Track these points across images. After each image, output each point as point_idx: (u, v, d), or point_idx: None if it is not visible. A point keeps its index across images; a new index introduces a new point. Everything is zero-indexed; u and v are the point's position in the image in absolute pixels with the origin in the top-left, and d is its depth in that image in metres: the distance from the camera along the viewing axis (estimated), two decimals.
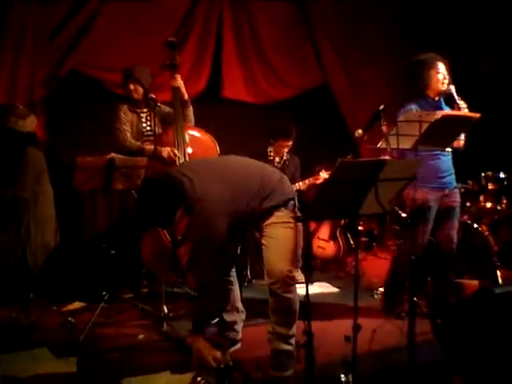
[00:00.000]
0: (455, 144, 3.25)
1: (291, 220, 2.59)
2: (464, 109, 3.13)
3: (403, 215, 2.75)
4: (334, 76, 5.10)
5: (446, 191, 3.30)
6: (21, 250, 3.19)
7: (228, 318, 2.87)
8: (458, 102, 3.16)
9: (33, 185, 3.22)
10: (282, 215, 2.59)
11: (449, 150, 3.27)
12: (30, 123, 3.34)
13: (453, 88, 3.21)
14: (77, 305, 3.68)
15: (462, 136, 3.25)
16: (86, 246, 4.34)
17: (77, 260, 4.16)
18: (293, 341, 2.65)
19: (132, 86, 3.80)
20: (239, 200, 2.54)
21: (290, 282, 2.59)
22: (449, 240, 3.34)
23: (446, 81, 3.26)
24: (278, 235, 2.59)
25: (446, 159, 3.30)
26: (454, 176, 3.37)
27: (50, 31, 4.25)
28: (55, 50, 4.28)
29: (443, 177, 3.29)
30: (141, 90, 3.80)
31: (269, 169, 2.75)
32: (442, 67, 3.27)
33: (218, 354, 2.45)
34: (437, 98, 3.31)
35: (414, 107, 3.18)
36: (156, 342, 3.05)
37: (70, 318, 3.31)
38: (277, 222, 2.59)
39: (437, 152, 3.21)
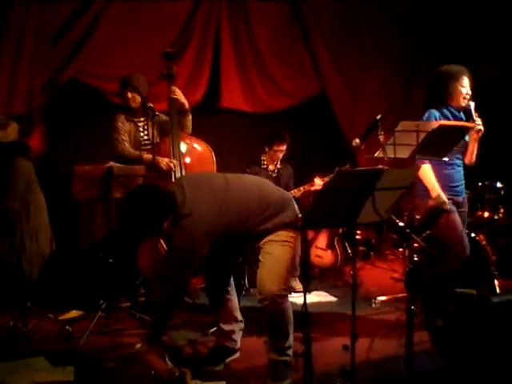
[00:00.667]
0: (467, 160, 3.33)
1: (290, 239, 2.58)
2: (479, 126, 3.17)
3: (400, 224, 2.75)
4: (330, 80, 5.12)
5: (460, 199, 3.35)
6: (16, 258, 3.17)
7: (226, 327, 2.87)
8: (474, 118, 3.20)
9: (23, 195, 3.20)
10: (281, 234, 2.58)
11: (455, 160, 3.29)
12: (11, 132, 3.27)
13: (472, 104, 3.24)
14: (74, 313, 3.66)
15: (475, 152, 3.31)
16: (83, 254, 4.33)
17: (74, 268, 4.15)
18: (290, 351, 2.64)
19: (130, 95, 3.81)
20: (231, 222, 2.53)
21: (279, 300, 2.58)
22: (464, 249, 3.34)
23: (468, 96, 3.29)
24: (274, 252, 2.58)
25: (459, 169, 3.36)
26: (464, 186, 3.42)
27: (49, 38, 4.26)
28: (55, 57, 4.30)
29: (457, 186, 3.34)
30: (138, 98, 3.81)
31: (269, 190, 2.70)
32: (466, 82, 3.30)
33: (169, 366, 2.43)
34: (459, 112, 3.35)
35: (437, 115, 3.21)
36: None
37: (67, 327, 3.30)
38: (275, 240, 2.58)
39: (451, 161, 3.26)
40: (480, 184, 4.10)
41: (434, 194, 3.20)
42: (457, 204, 3.32)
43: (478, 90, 3.30)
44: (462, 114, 3.35)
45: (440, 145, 3.01)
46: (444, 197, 3.21)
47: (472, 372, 2.52)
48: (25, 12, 4.17)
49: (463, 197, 3.41)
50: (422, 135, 2.91)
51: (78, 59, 4.38)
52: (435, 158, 3.18)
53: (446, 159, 3.12)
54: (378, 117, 2.65)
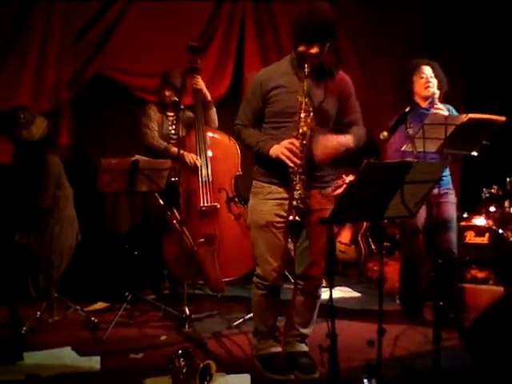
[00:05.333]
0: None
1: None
2: (443, 113, 3.03)
3: None
4: (353, 74, 5.02)
5: (436, 191, 3.11)
6: (47, 252, 3.21)
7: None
8: (435, 106, 3.08)
9: (54, 192, 3.22)
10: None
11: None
12: (36, 130, 3.20)
13: (437, 92, 3.12)
14: (100, 305, 3.71)
15: None
16: (108, 246, 4.38)
17: (100, 260, 4.20)
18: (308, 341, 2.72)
19: (168, 93, 3.88)
20: None
21: (320, 286, 2.68)
22: (446, 243, 3.24)
23: (431, 84, 3.18)
24: (322, 236, 2.58)
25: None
26: (447, 178, 3.28)
27: (76, 32, 4.29)
28: (81, 52, 4.32)
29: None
30: (174, 96, 3.85)
31: None
32: (427, 70, 3.21)
33: None
34: (425, 105, 3.24)
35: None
36: (178, 343, 3.05)
37: (93, 318, 3.34)
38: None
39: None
40: (508, 179, 4.01)
41: None
42: (432, 197, 3.05)
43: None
44: (430, 109, 3.16)
45: (469, 139, 2.96)
46: None
47: (501, 370, 2.48)
48: (50, 7, 4.20)
49: (446, 188, 3.25)
50: (451, 128, 2.86)
51: (103, 54, 4.40)
52: (464, 152, 3.12)
53: (474, 153, 3.04)
54: (407, 109, 2.61)
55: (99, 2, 4.31)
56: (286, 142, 2.43)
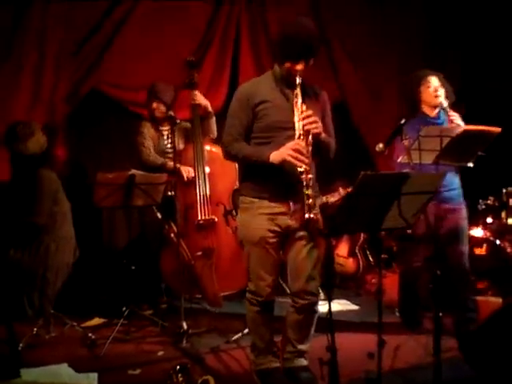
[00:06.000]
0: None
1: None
2: (457, 119, 3.06)
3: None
4: (350, 87, 5.05)
5: (446, 206, 3.18)
6: (42, 269, 3.19)
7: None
8: (449, 114, 3.10)
9: (50, 208, 3.21)
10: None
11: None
12: (32, 145, 3.21)
13: (445, 102, 3.14)
14: (97, 321, 3.68)
15: None
16: (105, 261, 4.36)
17: (97, 276, 4.18)
18: (307, 355, 2.69)
19: (155, 105, 3.89)
20: None
21: (317, 302, 2.65)
22: (458, 257, 3.24)
23: (439, 93, 3.20)
24: (319, 248, 2.58)
25: (449, 174, 3.13)
26: (457, 191, 3.27)
27: (72, 47, 4.31)
28: (77, 67, 4.34)
29: (442, 192, 3.10)
30: (163, 108, 3.87)
31: None
32: (433, 81, 3.23)
33: None
34: (433, 114, 3.26)
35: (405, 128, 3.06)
36: (176, 359, 3.02)
37: (90, 334, 3.31)
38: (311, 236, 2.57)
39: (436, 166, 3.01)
40: (504, 190, 4.03)
41: None
42: (443, 211, 3.14)
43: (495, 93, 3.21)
44: (440, 117, 3.22)
45: (465, 150, 2.97)
46: None
47: (501, 381, 2.46)
48: (45, 22, 4.22)
49: (456, 203, 3.23)
50: (446, 140, 2.88)
51: (99, 69, 4.42)
52: (460, 163, 3.13)
53: (470, 165, 3.05)
54: (403, 121, 2.62)
55: (95, 18, 4.34)
56: (290, 144, 2.43)
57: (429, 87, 3.23)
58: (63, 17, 4.27)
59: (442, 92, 3.21)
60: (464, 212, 3.30)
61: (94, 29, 4.36)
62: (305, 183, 2.40)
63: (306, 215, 2.38)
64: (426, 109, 3.28)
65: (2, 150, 3.46)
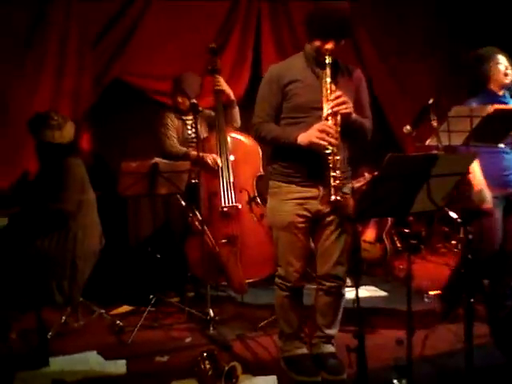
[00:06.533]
0: None
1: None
2: None
3: (453, 216, 2.63)
4: (374, 70, 4.95)
5: (511, 190, 3.09)
6: (71, 257, 3.22)
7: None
8: None
9: (78, 196, 3.22)
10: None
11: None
12: (67, 133, 3.24)
13: None
14: (124, 308, 3.71)
15: None
16: (131, 250, 4.39)
17: (123, 264, 4.21)
18: (335, 342, 2.68)
19: (180, 99, 3.88)
20: None
21: (346, 280, 2.65)
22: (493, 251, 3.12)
23: (510, 71, 3.09)
24: (345, 234, 2.56)
25: (508, 157, 3.10)
26: None
27: (93, 37, 4.31)
28: (99, 57, 4.34)
29: (507, 175, 3.08)
30: (188, 102, 3.85)
31: None
32: (502, 59, 3.12)
33: None
34: (501, 93, 3.14)
35: (474, 104, 2.97)
36: (203, 346, 3.02)
37: (118, 322, 3.35)
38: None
39: (499, 149, 3.02)
40: None
41: (476, 189, 3.00)
42: (509, 196, 3.09)
43: None
44: (507, 96, 3.13)
45: (496, 130, 2.87)
46: (487, 194, 2.99)
47: None
48: (67, 13, 4.22)
49: None
50: (477, 120, 2.78)
51: (121, 59, 4.41)
52: (490, 144, 3.03)
53: (501, 145, 2.96)
54: (430, 101, 2.54)
55: (115, 7, 4.33)
56: (318, 125, 2.37)
57: (498, 64, 3.11)
58: (84, 8, 4.26)
59: (511, 72, 3.11)
60: None
61: (115, 19, 4.34)
62: (331, 165, 2.35)
63: (332, 197, 2.33)
64: (493, 86, 3.15)
65: (27, 141, 3.50)
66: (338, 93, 2.37)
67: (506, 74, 3.10)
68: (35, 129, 3.25)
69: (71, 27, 4.25)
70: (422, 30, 5.00)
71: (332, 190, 2.33)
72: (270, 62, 4.70)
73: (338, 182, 2.33)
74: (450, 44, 4.91)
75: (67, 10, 4.23)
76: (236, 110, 3.87)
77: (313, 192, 2.48)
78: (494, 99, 3.05)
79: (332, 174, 2.34)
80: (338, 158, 2.35)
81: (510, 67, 3.11)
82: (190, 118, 3.93)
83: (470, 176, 2.97)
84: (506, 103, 3.08)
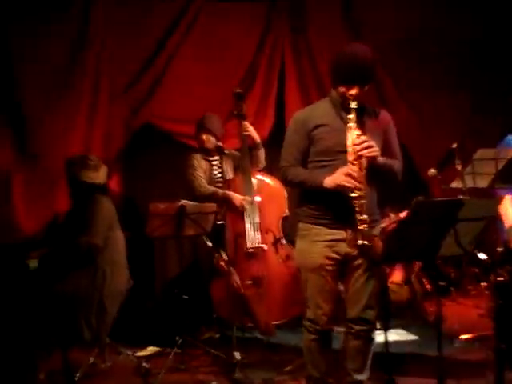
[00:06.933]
0: None
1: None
2: None
3: (482, 257, 2.60)
4: (396, 108, 4.97)
5: None
6: (98, 295, 3.26)
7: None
8: None
9: (105, 232, 3.29)
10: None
11: None
12: (103, 174, 3.41)
13: None
14: (151, 350, 3.71)
15: None
16: (158, 291, 4.41)
17: (150, 305, 4.23)
18: None
19: (205, 137, 3.98)
20: None
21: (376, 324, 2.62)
22: None
23: None
24: (374, 278, 2.56)
25: None
26: None
27: (124, 83, 4.47)
28: (130, 102, 4.49)
29: None
30: (213, 139, 3.96)
31: None
32: None
33: None
34: None
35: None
36: None
37: (144, 363, 3.35)
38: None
39: None
40: None
41: (507, 226, 3.00)
42: None
43: None
44: None
45: None
46: None
47: None
48: (99, 58, 4.40)
49: None
50: (502, 163, 2.79)
51: (150, 103, 4.56)
52: None
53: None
54: (454, 145, 2.56)
55: (146, 52, 4.49)
56: (343, 169, 2.41)
57: None
58: (116, 54, 4.44)
59: None
60: None
61: (145, 65, 4.51)
62: (358, 209, 2.36)
63: (360, 241, 2.34)
64: None
65: (58, 183, 3.60)
66: (363, 137, 2.42)
67: None
68: (73, 168, 3.38)
69: (103, 73, 4.43)
70: (445, 69, 5.02)
71: (359, 234, 2.34)
72: (294, 103, 4.84)
73: (364, 225, 2.34)
74: (473, 83, 4.92)
75: (100, 54, 4.40)
76: (261, 152, 3.94)
77: (342, 234, 2.50)
78: None
79: (359, 217, 2.35)
80: (364, 201, 2.37)
81: None
82: (216, 158, 4.02)
83: (502, 214, 2.95)
84: None
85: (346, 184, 2.37)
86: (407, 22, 4.88)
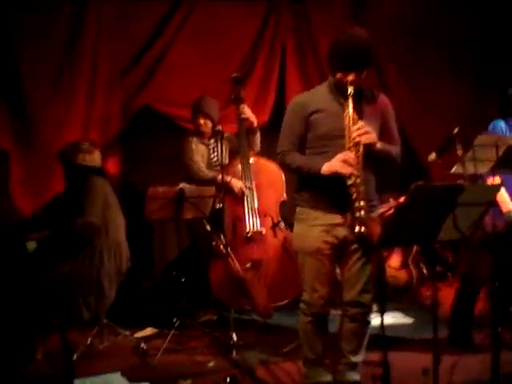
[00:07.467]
0: None
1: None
2: None
3: None
4: (398, 93, 4.93)
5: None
6: (96, 275, 3.28)
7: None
8: None
9: (102, 211, 3.29)
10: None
11: None
12: (97, 157, 3.43)
13: None
14: (149, 331, 3.73)
15: None
16: (156, 273, 4.43)
17: (148, 287, 4.25)
18: (359, 370, 2.63)
19: (202, 121, 3.96)
20: None
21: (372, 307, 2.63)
22: None
23: None
24: (369, 262, 2.56)
25: None
26: None
27: (123, 65, 4.42)
28: (128, 85, 4.46)
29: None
30: (210, 123, 3.95)
31: None
32: None
33: None
34: None
35: (503, 125, 3.01)
36: (225, 370, 3.03)
37: (142, 344, 3.38)
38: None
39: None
40: None
41: (504, 210, 3.00)
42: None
43: None
44: None
45: None
46: None
47: None
48: (97, 41, 4.36)
49: None
50: (503, 149, 2.78)
51: (149, 86, 4.52)
52: None
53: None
54: (456, 130, 2.56)
55: (145, 34, 4.44)
56: (340, 155, 2.41)
57: None
58: (114, 37, 4.40)
59: None
60: None
61: (144, 48, 4.46)
62: (354, 196, 2.37)
63: (356, 229, 2.35)
64: None
65: (58, 166, 3.60)
66: (360, 123, 2.41)
67: None
68: (67, 154, 3.39)
69: (101, 56, 4.39)
70: (449, 55, 4.99)
71: (355, 221, 2.36)
72: (295, 88, 4.80)
73: (361, 213, 2.35)
74: (475, 69, 4.90)
75: (97, 38, 4.36)
76: (257, 136, 3.92)
77: (339, 219, 2.50)
78: None
79: (355, 204, 2.36)
80: (361, 188, 2.37)
81: None
82: (212, 142, 4.01)
83: (498, 198, 2.95)
84: None
85: (342, 171, 2.38)
86: (411, 7, 4.83)
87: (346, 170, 2.37)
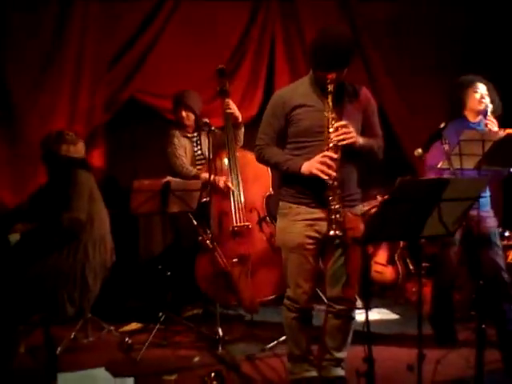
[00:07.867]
0: None
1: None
2: (493, 126, 2.99)
3: None
4: (383, 87, 4.91)
5: (475, 212, 2.90)
6: (81, 269, 3.24)
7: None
8: (487, 118, 3.03)
9: (88, 205, 3.24)
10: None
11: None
12: (81, 149, 3.36)
13: (490, 107, 3.07)
14: (134, 325, 3.72)
15: None
16: (142, 267, 4.40)
17: (133, 281, 4.22)
18: (344, 365, 2.62)
19: (184, 114, 3.92)
20: None
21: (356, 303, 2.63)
22: (491, 266, 3.05)
23: (484, 100, 3.12)
24: (358, 257, 2.56)
25: None
26: (487, 199, 3.13)
27: (109, 57, 4.38)
28: (115, 76, 4.41)
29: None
30: (192, 116, 3.91)
31: None
32: (481, 87, 3.16)
33: None
34: (477, 120, 3.17)
35: (451, 129, 2.91)
36: (210, 365, 3.01)
37: (127, 339, 3.35)
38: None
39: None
40: None
41: None
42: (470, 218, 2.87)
43: None
44: (481, 124, 3.13)
45: (508, 155, 2.86)
46: None
47: None
48: (83, 34, 4.31)
49: (485, 210, 3.07)
50: (488, 144, 2.78)
51: (135, 79, 4.47)
52: (503, 168, 3.02)
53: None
54: (442, 125, 2.55)
55: (131, 28, 4.40)
56: (318, 157, 2.40)
57: (475, 92, 3.16)
58: (101, 29, 4.35)
59: (487, 100, 3.13)
60: (493, 220, 3.16)
61: (131, 41, 4.41)
62: (330, 198, 2.37)
63: (331, 232, 2.36)
64: (468, 113, 3.20)
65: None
66: (339, 123, 2.39)
67: (480, 101, 3.12)
68: (51, 144, 3.31)
69: (87, 48, 4.33)
70: (435, 51, 5.00)
71: (331, 223, 2.35)
72: (284, 83, 4.74)
73: (337, 216, 2.35)
74: (462, 66, 4.90)
75: (83, 31, 4.31)
76: (242, 131, 3.89)
77: (322, 213, 2.49)
78: (465, 126, 3.06)
79: (331, 207, 2.36)
80: (337, 191, 2.38)
81: (486, 95, 3.14)
82: (195, 135, 3.97)
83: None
84: (476, 130, 3.05)
85: (320, 175, 2.37)
86: (399, 6, 4.83)
87: (323, 174, 2.37)
